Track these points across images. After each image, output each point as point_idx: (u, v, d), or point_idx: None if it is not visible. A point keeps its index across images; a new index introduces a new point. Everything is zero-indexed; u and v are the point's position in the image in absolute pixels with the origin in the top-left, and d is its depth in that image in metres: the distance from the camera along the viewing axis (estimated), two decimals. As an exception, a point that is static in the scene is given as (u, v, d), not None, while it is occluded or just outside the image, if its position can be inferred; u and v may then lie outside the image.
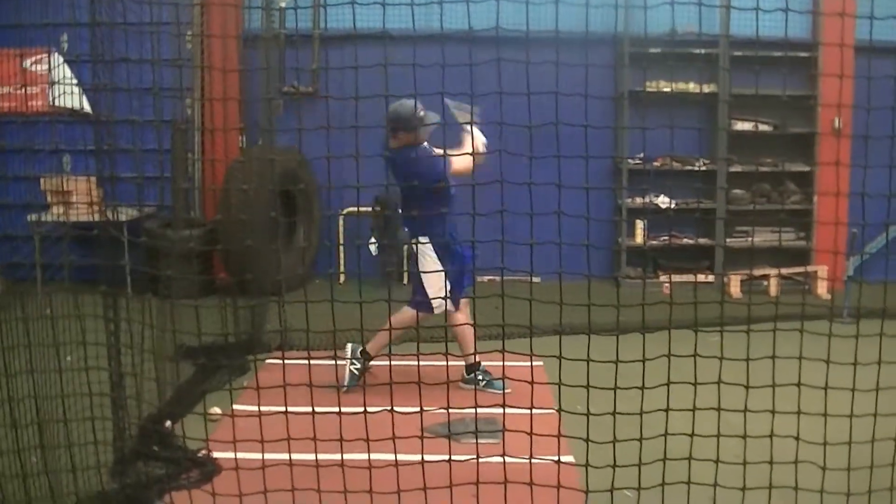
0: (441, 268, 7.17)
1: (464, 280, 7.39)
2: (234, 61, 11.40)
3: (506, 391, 6.45)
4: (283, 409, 4.55)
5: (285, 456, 4.54)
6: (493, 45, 4.34)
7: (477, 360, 7.43)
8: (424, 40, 4.82)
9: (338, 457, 4.49)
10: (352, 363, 7.49)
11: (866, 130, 4.56)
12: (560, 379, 4.48)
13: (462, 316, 7.41)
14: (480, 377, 7.47)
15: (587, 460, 4.48)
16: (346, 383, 7.35)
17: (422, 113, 7.04)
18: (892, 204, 4.51)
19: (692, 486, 4.57)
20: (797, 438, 4.53)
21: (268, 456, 4.60)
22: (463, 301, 7.45)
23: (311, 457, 4.50)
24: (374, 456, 4.53)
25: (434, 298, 7.18)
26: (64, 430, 4.94)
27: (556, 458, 4.61)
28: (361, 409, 4.49)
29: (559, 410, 4.77)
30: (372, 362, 7.46)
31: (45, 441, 4.77)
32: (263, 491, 4.61)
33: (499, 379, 7.15)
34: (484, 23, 4.53)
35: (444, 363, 4.60)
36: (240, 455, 4.65)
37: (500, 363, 4.57)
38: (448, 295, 6.93)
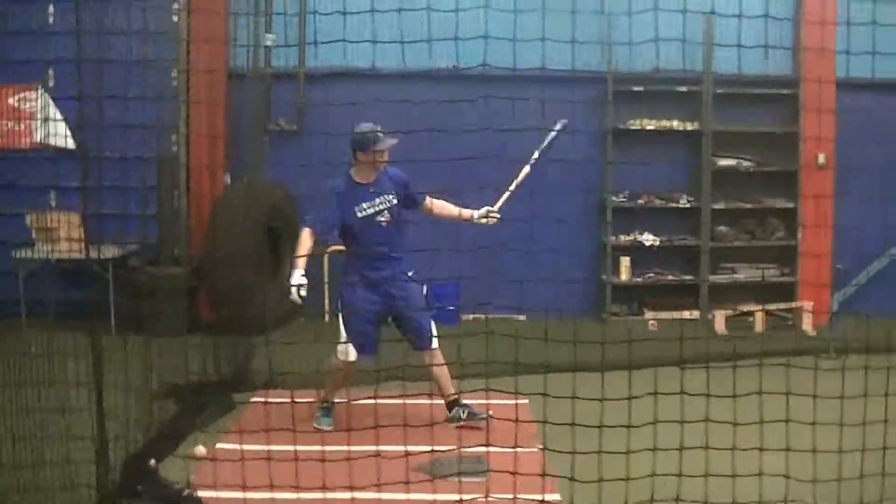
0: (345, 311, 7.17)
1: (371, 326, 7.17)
2: (221, 97, 11.43)
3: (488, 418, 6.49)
4: (266, 448, 4.52)
5: (269, 495, 4.51)
6: (481, 82, 4.37)
7: (456, 395, 7.34)
8: (413, 77, 4.84)
9: (321, 496, 4.46)
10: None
11: (849, 164, 4.59)
12: (545, 417, 4.46)
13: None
14: (461, 411, 7.39)
15: (572, 501, 4.45)
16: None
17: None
18: (872, 237, 4.53)
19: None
20: (787, 477, 4.51)
21: (252, 496, 4.56)
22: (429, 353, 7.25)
23: (295, 496, 4.47)
24: (358, 495, 4.50)
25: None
26: (43, 472, 4.89)
27: (541, 497, 4.59)
28: (346, 449, 4.46)
29: (544, 449, 4.75)
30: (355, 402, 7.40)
31: (22, 483, 4.73)
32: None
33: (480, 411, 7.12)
34: (473, 58, 4.56)
35: (429, 402, 4.58)
36: (224, 495, 4.62)
37: (485, 401, 4.54)
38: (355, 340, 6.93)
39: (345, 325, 7.10)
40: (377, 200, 6.91)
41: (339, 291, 7.26)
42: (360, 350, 7.00)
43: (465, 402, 7.25)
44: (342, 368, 7.12)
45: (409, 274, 7.20)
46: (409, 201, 7.06)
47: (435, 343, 7.12)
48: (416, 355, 7.07)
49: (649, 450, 4.48)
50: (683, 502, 4.50)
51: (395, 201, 6.91)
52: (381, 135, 6.73)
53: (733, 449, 4.54)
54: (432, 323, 7.21)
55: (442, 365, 7.08)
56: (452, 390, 7.23)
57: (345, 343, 6.94)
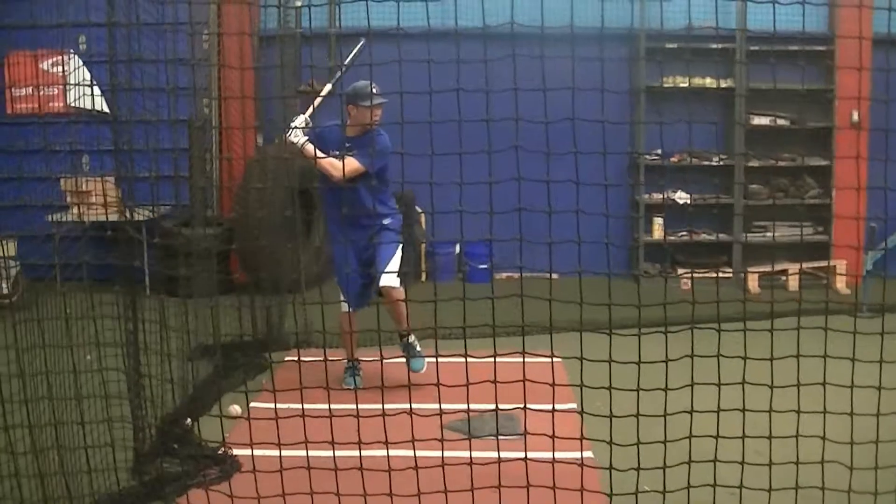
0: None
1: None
2: (250, 60, 11.43)
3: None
4: (300, 407, 4.54)
5: (303, 454, 4.54)
6: (508, 42, 4.33)
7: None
8: (439, 37, 4.80)
9: (356, 454, 4.48)
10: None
11: (885, 124, 4.53)
12: (581, 378, 4.45)
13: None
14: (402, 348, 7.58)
15: (611, 463, 4.45)
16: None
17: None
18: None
19: (717, 488, 4.53)
20: (823, 438, 4.49)
21: (286, 454, 4.59)
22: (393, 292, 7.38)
23: (329, 454, 4.50)
24: (392, 453, 4.53)
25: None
26: (81, 431, 4.95)
27: (577, 455, 4.59)
28: (380, 408, 4.48)
29: (581, 412, 4.74)
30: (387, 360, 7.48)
31: (61, 442, 4.79)
32: (282, 490, 4.60)
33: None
34: (498, 19, 4.52)
35: (463, 360, 4.57)
36: (258, 453, 4.65)
37: (521, 360, 4.52)
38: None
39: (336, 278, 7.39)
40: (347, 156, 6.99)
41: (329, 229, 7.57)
42: (348, 301, 7.21)
43: (411, 341, 7.50)
44: (343, 322, 7.34)
45: (385, 222, 7.40)
46: (379, 173, 7.20)
47: (390, 281, 7.22)
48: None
49: (686, 412, 4.46)
50: (721, 462, 4.49)
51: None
52: (372, 91, 6.82)
53: (770, 411, 4.51)
54: (395, 261, 7.32)
55: (400, 303, 7.22)
56: (405, 326, 7.44)
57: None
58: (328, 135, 7.17)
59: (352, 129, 7.30)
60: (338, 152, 6.97)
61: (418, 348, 7.53)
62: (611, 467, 4.47)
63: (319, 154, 6.73)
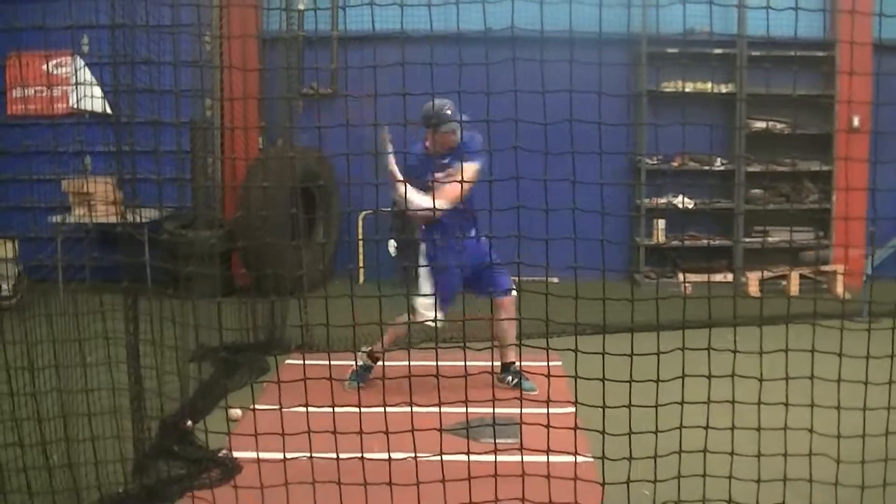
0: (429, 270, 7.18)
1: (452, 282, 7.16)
2: (254, 62, 11.46)
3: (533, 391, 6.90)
4: (303, 407, 4.57)
5: (304, 455, 4.57)
6: (509, 45, 4.37)
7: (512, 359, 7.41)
8: (441, 40, 4.84)
9: (357, 455, 4.51)
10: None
11: (884, 127, 4.57)
12: (576, 373, 4.50)
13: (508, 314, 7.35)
14: (510, 377, 7.48)
15: (603, 453, 4.50)
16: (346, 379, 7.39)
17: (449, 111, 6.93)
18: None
19: (707, 478, 4.58)
20: (811, 431, 4.55)
21: (288, 455, 4.62)
22: (508, 299, 7.31)
23: (331, 455, 4.53)
24: (393, 454, 4.56)
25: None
26: (87, 425, 4.98)
27: (574, 455, 4.63)
28: (381, 407, 4.51)
29: (575, 403, 4.78)
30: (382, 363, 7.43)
31: (69, 435, 4.82)
32: (285, 484, 4.63)
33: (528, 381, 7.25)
34: (500, 23, 4.56)
35: (462, 363, 4.61)
36: (260, 454, 4.68)
37: (519, 361, 4.57)
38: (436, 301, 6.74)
39: (433, 283, 7.08)
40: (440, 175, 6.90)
41: (427, 251, 7.25)
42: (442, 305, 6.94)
43: (518, 370, 7.33)
44: (403, 326, 7.04)
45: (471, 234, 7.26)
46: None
47: (513, 292, 7.24)
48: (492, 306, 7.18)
49: (677, 403, 4.51)
50: (711, 453, 4.54)
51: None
52: (447, 113, 6.82)
53: (759, 403, 4.57)
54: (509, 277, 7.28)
55: (512, 320, 7.16)
56: (513, 357, 7.36)
57: (427, 301, 6.88)
58: (415, 161, 6.99)
59: (438, 149, 7.11)
60: (429, 178, 6.77)
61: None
62: (603, 457, 4.52)
63: (421, 195, 6.65)
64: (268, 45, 12.01)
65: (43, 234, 5.65)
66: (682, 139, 4.90)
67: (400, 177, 6.63)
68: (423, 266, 7.29)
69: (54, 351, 4.73)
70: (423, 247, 7.31)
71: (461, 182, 6.13)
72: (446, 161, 6.99)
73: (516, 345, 7.14)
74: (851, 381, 4.46)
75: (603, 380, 4.43)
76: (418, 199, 6.68)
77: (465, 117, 6.48)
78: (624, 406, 4.45)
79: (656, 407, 4.49)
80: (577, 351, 4.50)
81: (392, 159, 6.74)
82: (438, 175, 6.91)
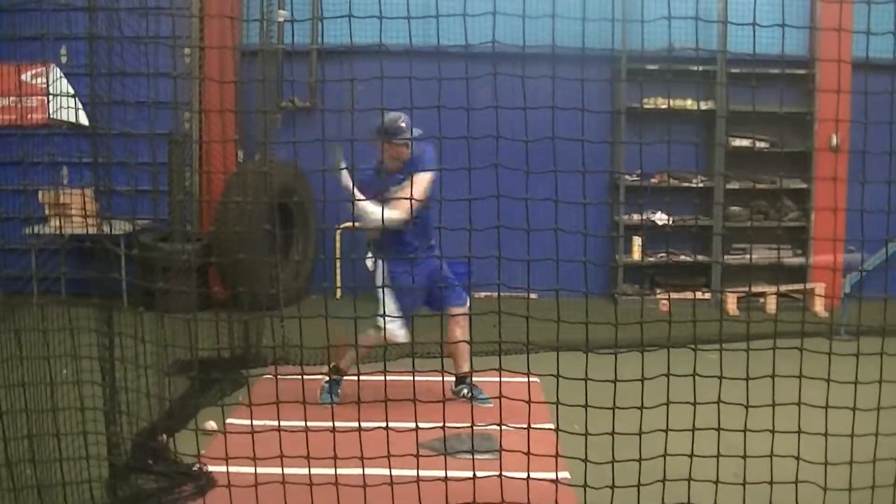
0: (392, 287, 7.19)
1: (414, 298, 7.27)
2: (232, 74, 11.41)
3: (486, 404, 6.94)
4: (276, 424, 4.51)
5: (279, 471, 4.52)
6: (490, 61, 4.34)
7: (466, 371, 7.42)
8: (421, 55, 4.81)
9: (332, 472, 4.46)
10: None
11: (864, 146, 4.55)
12: (557, 397, 4.45)
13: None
14: (465, 390, 7.49)
15: (585, 481, 4.44)
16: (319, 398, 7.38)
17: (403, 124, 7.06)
18: (891, 220, 4.48)
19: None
20: (798, 458, 4.49)
21: (262, 471, 4.56)
22: (461, 314, 7.30)
23: (305, 471, 4.48)
24: (368, 471, 4.50)
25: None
26: (56, 444, 4.91)
27: (553, 475, 4.59)
28: (356, 425, 4.46)
29: (556, 430, 4.74)
30: (349, 377, 7.47)
31: (37, 455, 4.75)
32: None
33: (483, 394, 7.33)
34: (480, 38, 4.53)
35: (440, 378, 4.57)
36: (234, 470, 4.63)
37: (497, 379, 4.53)
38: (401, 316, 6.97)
39: (395, 301, 7.09)
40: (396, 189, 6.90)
41: (389, 268, 7.23)
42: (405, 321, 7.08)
43: (472, 382, 7.35)
44: (373, 344, 7.19)
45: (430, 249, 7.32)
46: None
47: (466, 302, 7.34)
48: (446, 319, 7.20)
49: (661, 430, 4.46)
50: (695, 481, 4.49)
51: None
52: (401, 126, 6.93)
53: (745, 430, 4.51)
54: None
55: (464, 331, 7.16)
56: (466, 368, 7.34)
57: (391, 320, 6.83)
58: (371, 179, 7.03)
59: (392, 163, 7.16)
60: (386, 193, 6.79)
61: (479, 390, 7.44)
62: (585, 485, 4.46)
63: (374, 206, 6.63)
64: (246, 58, 11.96)
65: (17, 245, 5.58)
66: (661, 156, 4.88)
67: (356, 191, 6.59)
68: (385, 283, 7.25)
69: (23, 367, 4.66)
70: (382, 264, 7.31)
71: (409, 196, 6.18)
72: (401, 177, 6.99)
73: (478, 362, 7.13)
74: (839, 408, 4.42)
75: (586, 406, 4.39)
76: (375, 210, 6.67)
77: (417, 132, 6.83)
78: (607, 433, 4.40)
79: (640, 434, 4.44)
80: (558, 376, 4.44)
81: (346, 175, 6.71)
82: (393, 189, 6.92)
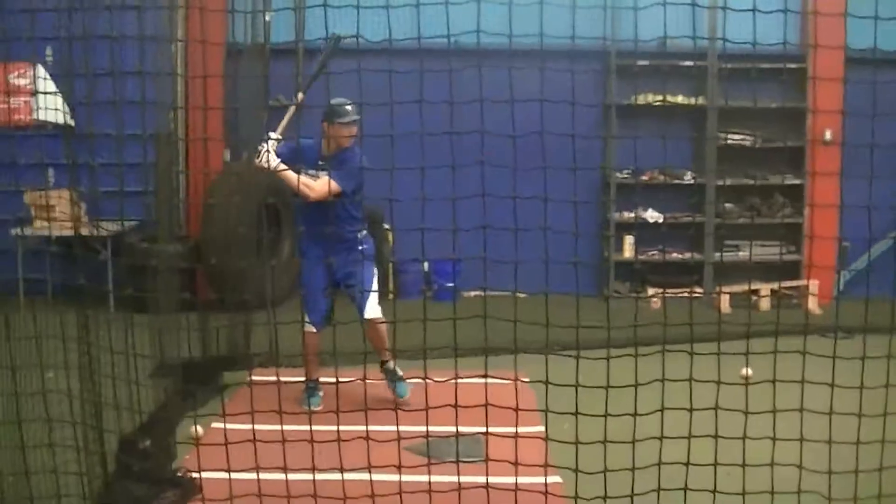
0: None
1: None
2: (219, 73, 11.30)
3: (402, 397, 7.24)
4: (258, 429, 4.44)
5: (262, 476, 4.44)
6: (474, 56, 4.25)
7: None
8: (405, 52, 4.70)
9: (310, 478, 4.38)
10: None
11: (857, 141, 4.48)
12: (547, 400, 4.35)
13: None
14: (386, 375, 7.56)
15: (576, 492, 4.34)
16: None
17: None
18: (880, 217, 4.40)
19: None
20: (800, 467, 4.38)
21: (243, 476, 4.48)
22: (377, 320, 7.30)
23: (294, 477, 4.42)
24: (350, 476, 4.42)
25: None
26: (42, 455, 4.83)
27: (542, 479, 4.49)
28: (335, 430, 4.38)
29: (546, 439, 4.64)
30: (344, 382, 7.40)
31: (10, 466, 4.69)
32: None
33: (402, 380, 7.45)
34: (465, 30, 4.43)
35: (423, 381, 4.49)
36: (217, 475, 4.56)
37: (484, 380, 4.43)
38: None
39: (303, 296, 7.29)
40: (321, 174, 7.04)
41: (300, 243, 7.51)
42: (312, 320, 7.22)
43: (393, 367, 7.47)
44: (307, 342, 7.31)
45: (362, 248, 7.34)
46: (354, 192, 7.15)
47: (375, 313, 7.29)
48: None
49: (656, 438, 4.35)
50: (692, 490, 4.38)
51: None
52: (348, 109, 7.04)
53: (744, 438, 4.40)
54: (374, 291, 7.29)
55: (383, 331, 7.24)
56: (387, 356, 7.43)
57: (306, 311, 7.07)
58: (305, 150, 7.14)
59: (328, 146, 7.29)
60: (312, 171, 7.08)
61: (400, 373, 7.47)
62: (576, 496, 4.36)
63: (293, 173, 6.82)
64: (233, 56, 11.85)
65: (3, 246, 5.50)
66: (652, 153, 4.79)
67: (281, 165, 6.98)
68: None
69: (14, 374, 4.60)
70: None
71: (328, 187, 6.54)
72: (324, 163, 7.12)
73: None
74: (843, 414, 4.31)
75: (576, 413, 4.29)
76: (291, 177, 6.98)
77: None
78: (599, 441, 4.31)
79: (633, 443, 4.33)
80: (547, 382, 4.35)
81: (272, 146, 6.98)
82: (320, 174, 7.08)
